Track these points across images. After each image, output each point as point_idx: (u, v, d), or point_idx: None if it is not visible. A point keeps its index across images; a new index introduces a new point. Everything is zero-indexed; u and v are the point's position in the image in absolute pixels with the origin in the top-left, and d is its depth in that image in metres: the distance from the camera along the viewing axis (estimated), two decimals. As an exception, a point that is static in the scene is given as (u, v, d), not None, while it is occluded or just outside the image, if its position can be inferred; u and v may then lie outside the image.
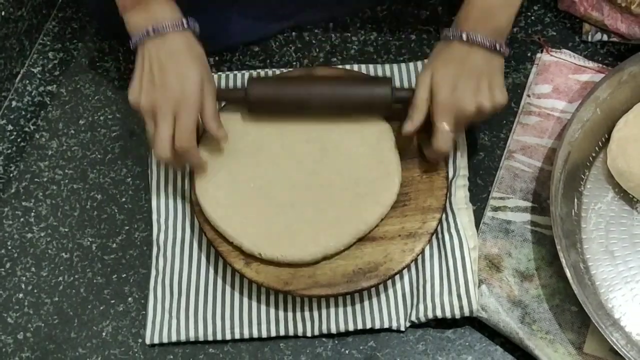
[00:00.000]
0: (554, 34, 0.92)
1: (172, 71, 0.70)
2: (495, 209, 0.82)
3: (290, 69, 0.89)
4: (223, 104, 0.83)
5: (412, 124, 0.75)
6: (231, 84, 0.88)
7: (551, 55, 0.89)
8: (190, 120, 0.71)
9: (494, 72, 0.75)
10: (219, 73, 0.89)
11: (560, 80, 0.87)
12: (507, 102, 0.76)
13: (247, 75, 0.88)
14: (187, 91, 0.70)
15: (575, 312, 0.76)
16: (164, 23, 0.71)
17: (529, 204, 0.82)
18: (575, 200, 0.81)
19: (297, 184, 0.78)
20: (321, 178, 0.79)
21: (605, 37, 0.90)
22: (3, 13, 0.86)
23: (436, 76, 0.74)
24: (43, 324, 0.79)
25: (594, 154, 0.84)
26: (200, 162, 0.76)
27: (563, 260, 0.74)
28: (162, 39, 0.71)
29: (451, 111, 0.74)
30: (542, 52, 0.89)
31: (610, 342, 0.72)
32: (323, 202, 0.77)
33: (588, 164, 0.83)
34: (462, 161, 0.83)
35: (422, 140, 0.79)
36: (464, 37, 0.73)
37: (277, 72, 0.88)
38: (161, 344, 0.78)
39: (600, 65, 0.88)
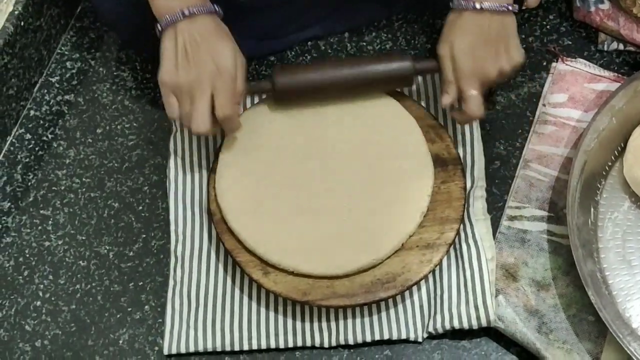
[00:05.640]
0: (570, 43, 0.92)
1: (206, 48, 0.73)
2: (512, 218, 0.82)
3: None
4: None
5: (449, 97, 0.79)
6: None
7: (567, 65, 0.89)
8: (229, 89, 0.74)
9: (509, 34, 0.77)
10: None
11: (576, 89, 0.87)
12: (524, 60, 0.79)
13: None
14: (223, 65, 0.73)
15: (593, 322, 0.76)
16: (196, 6, 0.73)
17: (545, 213, 0.82)
18: (592, 209, 0.81)
19: (322, 190, 0.78)
20: (349, 183, 0.78)
21: (621, 47, 0.90)
22: (22, 23, 0.87)
23: (455, 48, 0.77)
24: (60, 332, 0.80)
25: (610, 163, 0.84)
26: (238, 126, 0.78)
27: (580, 270, 0.74)
28: (193, 20, 0.73)
29: (476, 78, 0.77)
30: (557, 61, 0.89)
31: (628, 351, 0.72)
32: (352, 211, 0.77)
33: (604, 173, 0.83)
34: (480, 172, 0.83)
35: (453, 108, 0.82)
36: (477, 6, 0.76)
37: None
38: (178, 354, 0.78)
39: (616, 74, 0.88)
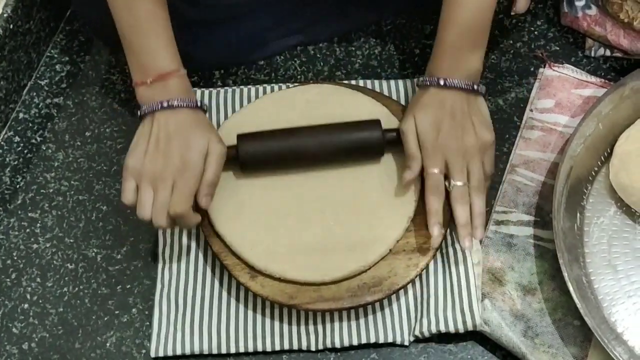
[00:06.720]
0: (557, 48, 0.93)
1: (177, 140, 0.72)
2: (498, 222, 0.82)
3: (296, 83, 0.89)
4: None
5: (411, 173, 0.76)
6: (237, 97, 0.88)
7: (554, 70, 0.89)
8: (187, 187, 0.72)
9: (475, 111, 0.77)
10: (225, 88, 0.90)
11: (563, 95, 0.88)
12: (493, 139, 0.77)
13: (252, 90, 0.89)
14: (188, 160, 0.72)
15: (578, 326, 0.76)
16: (178, 100, 0.73)
17: (531, 218, 0.82)
18: (578, 214, 0.82)
19: (309, 196, 0.78)
20: (335, 189, 0.79)
21: (608, 52, 0.91)
22: (11, 26, 0.87)
23: (419, 123, 0.76)
24: (48, 335, 0.80)
25: (596, 169, 0.84)
26: (192, 222, 0.75)
27: (565, 274, 0.74)
28: (173, 112, 0.73)
29: (441, 155, 0.75)
30: (544, 66, 0.90)
31: (612, 356, 0.72)
32: (339, 217, 0.78)
33: (590, 178, 0.84)
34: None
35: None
36: (441, 82, 0.76)
37: (283, 86, 0.88)
38: (165, 357, 0.78)
39: (603, 80, 0.89)
